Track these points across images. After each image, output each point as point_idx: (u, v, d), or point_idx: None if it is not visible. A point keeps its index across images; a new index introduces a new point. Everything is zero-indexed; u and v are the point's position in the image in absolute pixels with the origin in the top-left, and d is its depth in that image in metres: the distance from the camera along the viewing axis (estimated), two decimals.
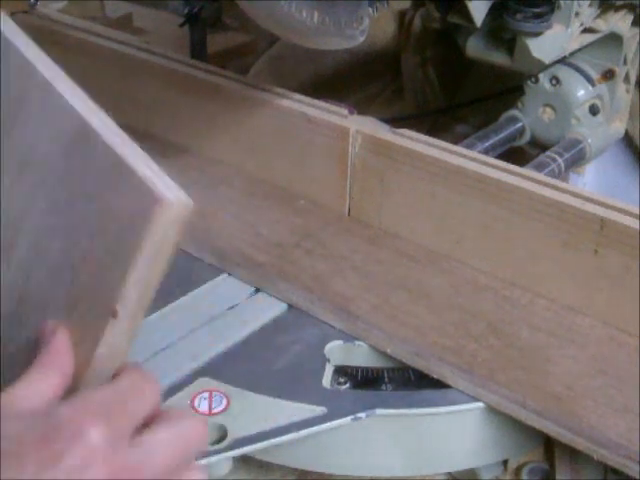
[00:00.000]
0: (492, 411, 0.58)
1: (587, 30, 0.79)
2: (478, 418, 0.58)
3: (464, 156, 0.69)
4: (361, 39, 0.66)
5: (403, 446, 0.60)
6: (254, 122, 0.80)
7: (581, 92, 0.82)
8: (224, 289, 0.69)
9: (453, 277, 0.69)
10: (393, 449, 0.60)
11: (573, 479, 0.62)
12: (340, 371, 0.62)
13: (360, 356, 0.64)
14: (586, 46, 0.80)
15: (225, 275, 0.71)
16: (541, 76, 0.82)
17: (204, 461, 0.51)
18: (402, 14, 1.04)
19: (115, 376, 0.41)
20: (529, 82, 0.83)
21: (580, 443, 0.54)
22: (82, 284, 0.45)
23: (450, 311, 0.64)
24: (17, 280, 0.49)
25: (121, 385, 0.40)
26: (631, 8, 0.82)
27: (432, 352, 0.60)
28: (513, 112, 0.85)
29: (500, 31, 0.77)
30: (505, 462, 0.65)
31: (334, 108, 0.76)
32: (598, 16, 0.80)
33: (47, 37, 0.97)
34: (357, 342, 0.63)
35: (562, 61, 0.81)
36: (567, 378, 0.58)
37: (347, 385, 0.61)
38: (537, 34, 0.75)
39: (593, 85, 0.82)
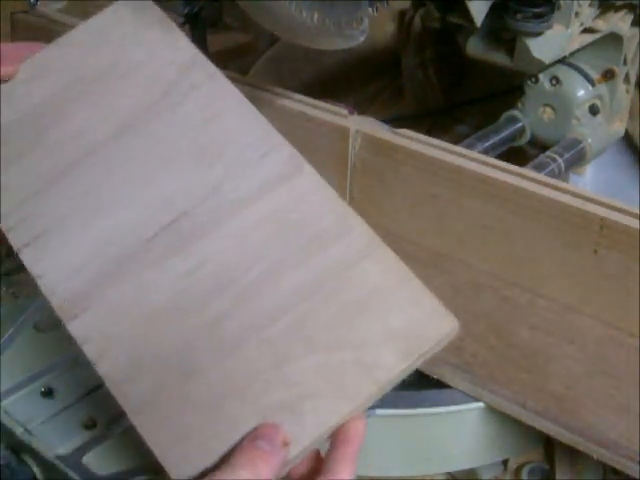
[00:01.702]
0: (492, 411, 0.58)
1: (587, 30, 0.79)
2: (478, 418, 0.59)
3: (464, 156, 0.69)
4: (361, 39, 0.66)
5: (403, 446, 0.60)
6: None
7: (581, 92, 0.82)
8: None
9: (453, 277, 0.69)
10: (393, 449, 0.60)
11: (573, 479, 0.62)
12: None
13: None
14: (586, 46, 0.80)
15: None
16: (541, 76, 0.82)
17: None
18: (402, 14, 1.04)
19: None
20: (529, 82, 0.83)
21: (580, 443, 0.54)
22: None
23: (450, 311, 0.64)
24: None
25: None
26: (631, 8, 0.82)
27: None
28: (513, 112, 0.85)
29: (500, 31, 0.77)
30: (505, 462, 0.65)
31: (334, 108, 0.76)
32: (598, 16, 0.80)
33: (47, 37, 0.96)
34: None
35: (562, 61, 0.81)
36: (567, 378, 0.58)
37: None
38: (537, 34, 0.75)
39: (593, 85, 0.82)
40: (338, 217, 0.51)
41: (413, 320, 0.47)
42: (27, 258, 0.51)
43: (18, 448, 0.54)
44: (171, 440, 0.44)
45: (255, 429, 0.44)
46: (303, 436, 0.44)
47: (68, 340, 0.60)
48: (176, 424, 0.45)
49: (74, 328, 0.48)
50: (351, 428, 0.45)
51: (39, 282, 0.50)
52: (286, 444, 0.44)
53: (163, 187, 0.53)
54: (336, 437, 0.45)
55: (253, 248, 0.50)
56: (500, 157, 0.73)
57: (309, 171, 0.54)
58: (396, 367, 0.46)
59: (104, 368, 0.47)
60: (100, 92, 0.58)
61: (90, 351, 0.47)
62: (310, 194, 0.53)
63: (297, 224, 0.51)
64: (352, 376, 0.45)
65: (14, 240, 0.52)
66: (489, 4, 0.73)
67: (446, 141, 0.71)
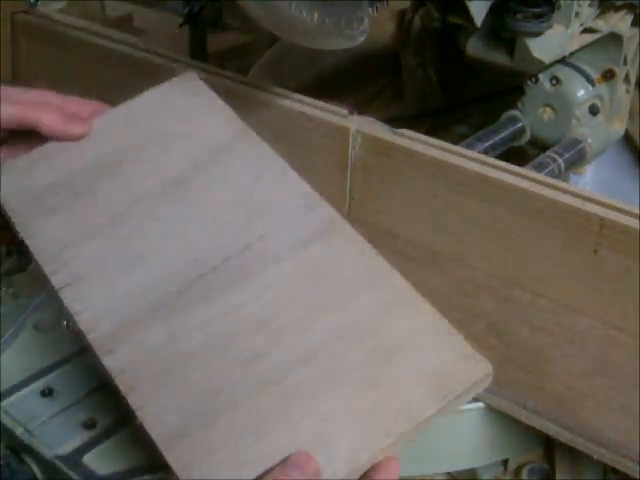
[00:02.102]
0: (492, 411, 0.58)
1: (587, 30, 0.79)
2: (478, 418, 0.59)
3: (464, 156, 0.69)
4: (361, 39, 0.66)
5: (403, 446, 0.60)
6: (254, 122, 0.80)
7: (581, 92, 0.82)
8: None
9: (453, 277, 0.68)
10: None
11: (573, 479, 0.62)
12: None
13: None
14: (586, 46, 0.80)
15: None
16: (541, 76, 0.82)
17: None
18: (402, 14, 1.04)
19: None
20: (529, 82, 0.83)
21: (580, 443, 0.54)
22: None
23: (450, 311, 0.64)
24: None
25: None
26: (631, 8, 0.82)
27: None
28: (513, 112, 0.85)
29: (500, 31, 0.77)
30: (505, 462, 0.65)
31: (334, 108, 0.76)
32: (598, 16, 0.80)
33: (47, 37, 0.97)
34: None
35: (562, 61, 0.81)
36: (567, 378, 0.58)
37: None
38: (537, 34, 0.75)
39: (593, 85, 0.82)
40: (372, 267, 0.54)
41: (446, 364, 0.48)
42: (66, 296, 0.53)
43: (18, 448, 0.54)
44: (203, 471, 0.45)
45: (287, 458, 0.44)
46: (332, 473, 0.45)
47: (68, 340, 0.61)
48: (207, 454, 0.45)
49: (108, 362, 0.50)
50: (382, 466, 0.45)
51: (77, 318, 0.52)
52: (317, 474, 0.44)
53: (200, 241, 0.56)
54: (367, 476, 0.45)
55: (287, 295, 0.52)
56: (500, 157, 0.73)
57: (346, 228, 0.57)
58: (428, 410, 0.47)
59: (135, 400, 0.48)
60: (145, 157, 0.61)
61: (123, 383, 0.48)
62: (346, 247, 0.55)
63: (331, 274, 0.54)
64: (384, 416, 0.46)
65: (55, 282, 0.54)
66: (489, 4, 0.73)
67: (446, 141, 0.71)
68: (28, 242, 0.56)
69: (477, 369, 0.48)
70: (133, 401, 0.47)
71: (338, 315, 0.51)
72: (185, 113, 0.64)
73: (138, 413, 0.47)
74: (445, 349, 0.49)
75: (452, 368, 0.48)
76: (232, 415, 0.46)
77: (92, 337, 0.51)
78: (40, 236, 0.56)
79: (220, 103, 0.65)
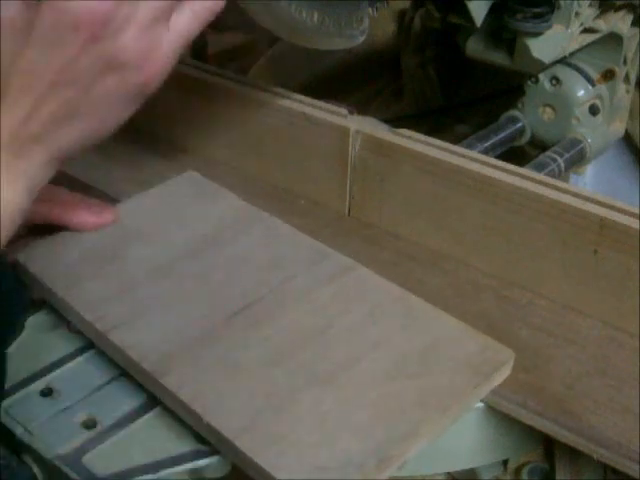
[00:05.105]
0: (492, 411, 0.58)
1: (587, 30, 0.79)
2: (478, 418, 0.59)
3: (464, 156, 0.69)
4: (361, 39, 0.66)
5: None
6: (254, 122, 0.80)
7: (581, 92, 0.82)
8: None
9: (453, 277, 0.69)
10: None
11: (573, 479, 0.62)
12: None
13: None
14: (586, 46, 0.80)
15: None
16: (541, 76, 0.82)
17: (204, 461, 0.52)
18: (402, 14, 1.04)
19: None
20: (529, 82, 0.83)
21: (580, 443, 0.54)
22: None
23: (450, 311, 0.64)
24: None
25: None
26: (631, 8, 0.82)
27: None
28: (513, 112, 0.85)
29: (500, 31, 0.77)
30: (505, 462, 0.65)
31: (334, 108, 0.75)
32: (598, 16, 0.80)
33: None
34: None
35: (562, 61, 0.81)
36: (567, 378, 0.58)
37: None
38: (537, 34, 0.75)
39: (593, 85, 0.82)
40: (396, 291, 0.62)
41: (475, 355, 0.56)
42: (115, 337, 0.57)
43: (18, 448, 0.54)
44: (272, 454, 0.48)
45: None
46: (400, 448, 0.49)
47: (68, 340, 0.61)
48: (276, 441, 0.49)
49: (166, 381, 0.53)
50: None
51: (130, 352, 0.55)
52: None
53: (231, 287, 0.61)
54: None
55: (324, 317, 0.59)
56: (500, 157, 0.73)
57: (362, 268, 0.64)
58: (470, 389, 0.54)
59: (199, 408, 0.51)
60: (164, 232, 0.67)
61: (184, 395, 0.52)
62: (366, 280, 0.63)
63: (359, 299, 0.61)
64: (433, 400, 0.52)
65: (100, 327, 0.58)
66: (489, 4, 0.74)
67: (446, 141, 0.71)
68: (72, 304, 0.60)
69: (501, 355, 0.56)
70: (197, 408, 0.51)
71: (373, 329, 0.58)
72: (195, 200, 0.72)
73: (205, 418, 0.50)
74: (471, 344, 0.57)
75: (481, 357, 0.56)
76: (294, 411, 0.51)
77: (146, 365, 0.54)
78: (81, 297, 0.60)
79: (224, 190, 0.73)
